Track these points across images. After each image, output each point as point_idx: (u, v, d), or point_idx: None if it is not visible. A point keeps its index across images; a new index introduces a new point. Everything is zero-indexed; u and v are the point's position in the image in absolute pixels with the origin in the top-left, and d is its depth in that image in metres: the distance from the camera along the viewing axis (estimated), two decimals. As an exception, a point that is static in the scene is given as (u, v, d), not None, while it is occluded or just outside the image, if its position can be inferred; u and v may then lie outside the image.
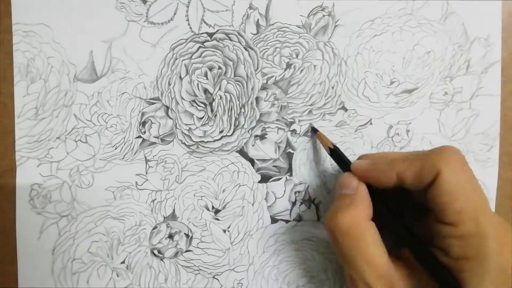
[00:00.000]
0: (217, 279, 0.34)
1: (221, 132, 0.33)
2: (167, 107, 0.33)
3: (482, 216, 0.24)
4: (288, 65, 0.33)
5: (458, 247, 0.24)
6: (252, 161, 0.33)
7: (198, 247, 0.33)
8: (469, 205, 0.24)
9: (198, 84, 0.33)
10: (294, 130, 0.33)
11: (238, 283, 0.34)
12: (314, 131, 0.33)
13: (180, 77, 0.33)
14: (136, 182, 0.33)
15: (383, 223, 0.27)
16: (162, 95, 0.33)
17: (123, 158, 0.33)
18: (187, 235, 0.33)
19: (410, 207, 0.28)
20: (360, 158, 0.30)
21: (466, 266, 0.24)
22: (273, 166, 0.33)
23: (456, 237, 0.24)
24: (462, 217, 0.24)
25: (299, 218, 0.34)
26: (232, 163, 0.33)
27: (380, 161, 0.27)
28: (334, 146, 0.31)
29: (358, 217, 0.26)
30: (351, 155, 0.33)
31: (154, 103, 0.33)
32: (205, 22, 0.32)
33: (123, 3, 0.32)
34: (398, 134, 0.34)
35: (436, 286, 0.25)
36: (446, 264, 0.24)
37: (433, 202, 0.25)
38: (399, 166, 0.26)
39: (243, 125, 0.33)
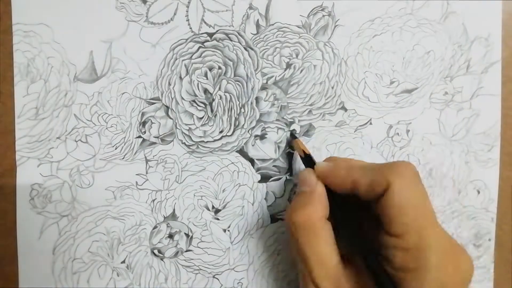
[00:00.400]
0: (217, 278, 0.34)
1: (221, 132, 0.33)
2: (167, 107, 0.33)
3: (426, 230, 0.24)
4: (288, 65, 0.33)
5: (400, 258, 0.24)
6: (252, 161, 0.33)
7: (198, 247, 0.34)
8: (415, 218, 0.24)
9: (198, 84, 0.33)
10: (294, 130, 0.33)
11: (238, 283, 0.34)
12: (293, 137, 0.33)
13: (180, 77, 0.33)
14: (136, 182, 0.33)
15: (338, 226, 0.27)
16: (162, 95, 0.33)
17: (123, 158, 0.33)
18: (187, 235, 0.33)
19: (369, 217, 0.28)
20: (326, 159, 0.31)
21: (407, 277, 0.24)
22: (273, 166, 0.33)
23: (400, 249, 0.24)
24: (407, 230, 0.24)
25: (299, 218, 0.34)
26: (232, 163, 0.33)
27: (340, 166, 0.28)
28: (307, 154, 0.30)
29: (313, 215, 0.27)
30: (351, 155, 0.33)
31: (154, 103, 0.33)
32: (205, 22, 0.32)
33: (123, 3, 0.32)
34: (398, 134, 0.34)
35: None
36: (390, 273, 0.25)
37: (382, 213, 0.25)
38: (355, 174, 0.27)
39: (243, 125, 0.33)
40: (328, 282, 0.26)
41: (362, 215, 0.28)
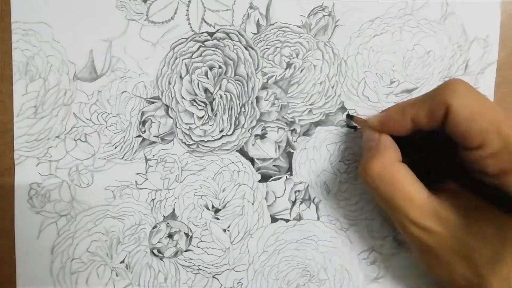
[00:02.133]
0: (217, 278, 0.34)
1: (221, 131, 0.33)
2: (167, 106, 0.33)
3: (504, 128, 0.24)
4: (288, 65, 0.33)
5: (493, 165, 0.24)
6: (252, 161, 0.33)
7: (198, 247, 0.33)
8: (487, 122, 0.24)
9: (198, 83, 0.33)
10: (294, 129, 0.33)
11: (238, 283, 0.34)
12: (350, 117, 0.33)
13: (181, 76, 0.33)
14: (136, 181, 0.33)
15: (417, 166, 0.27)
16: (162, 94, 0.33)
17: (123, 157, 0.33)
18: (187, 235, 0.33)
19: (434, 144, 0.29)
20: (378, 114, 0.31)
21: (507, 180, 0.24)
22: (273, 165, 0.33)
23: (488, 157, 0.24)
24: (485, 136, 0.24)
25: (299, 218, 0.34)
26: (232, 162, 0.33)
27: (392, 112, 0.28)
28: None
29: (386, 160, 0.26)
30: (351, 155, 0.33)
31: (154, 102, 0.33)
32: (205, 22, 0.32)
33: (123, 2, 0.32)
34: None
35: (487, 210, 0.25)
36: (490, 183, 0.24)
37: (453, 134, 0.25)
38: (410, 111, 0.27)
39: (243, 124, 0.33)
40: (427, 216, 0.25)
41: (431, 144, 0.28)
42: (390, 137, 0.28)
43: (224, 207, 0.33)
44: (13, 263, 0.32)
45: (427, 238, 0.26)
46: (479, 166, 0.25)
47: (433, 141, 0.29)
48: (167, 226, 0.33)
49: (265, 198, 0.34)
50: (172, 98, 0.33)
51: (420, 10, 0.33)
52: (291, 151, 0.33)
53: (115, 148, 0.33)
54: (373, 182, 0.26)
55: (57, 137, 0.32)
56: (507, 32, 0.33)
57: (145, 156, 0.33)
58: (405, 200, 0.26)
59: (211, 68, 0.32)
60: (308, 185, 0.34)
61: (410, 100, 0.28)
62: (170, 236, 0.33)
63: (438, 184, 0.27)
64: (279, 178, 0.34)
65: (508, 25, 0.33)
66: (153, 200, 0.33)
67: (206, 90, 0.33)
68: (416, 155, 0.28)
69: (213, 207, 0.33)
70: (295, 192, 0.34)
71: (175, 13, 0.32)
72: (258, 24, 0.33)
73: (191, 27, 0.32)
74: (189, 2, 0.32)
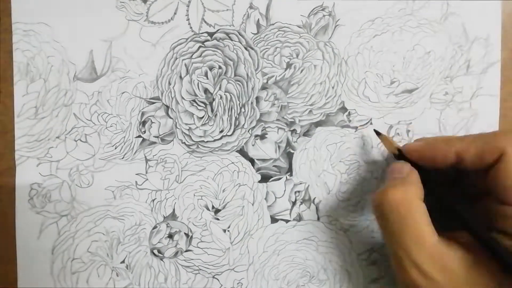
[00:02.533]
0: (217, 279, 0.34)
1: (221, 131, 0.33)
2: (167, 107, 0.33)
3: None
4: (289, 65, 0.33)
5: None
6: (252, 161, 0.33)
7: (198, 247, 0.33)
8: None
9: (198, 83, 0.33)
10: (294, 130, 0.33)
11: (238, 283, 0.34)
12: (377, 134, 0.32)
13: (180, 77, 0.33)
14: (136, 182, 0.33)
15: (435, 207, 0.26)
16: (162, 94, 0.33)
17: (123, 158, 0.33)
18: (187, 235, 0.33)
19: (460, 192, 0.28)
20: (415, 141, 0.31)
21: None
22: (273, 166, 0.33)
23: None
24: None
25: (299, 218, 0.34)
26: (232, 162, 0.33)
27: (437, 140, 0.28)
28: (400, 150, 0.30)
29: (408, 194, 0.26)
30: (351, 155, 0.33)
31: (154, 103, 0.33)
32: (205, 22, 0.32)
33: (123, 2, 0.32)
34: (398, 134, 0.34)
35: (496, 267, 0.24)
36: (507, 245, 0.24)
37: (495, 183, 0.24)
38: (458, 145, 0.26)
39: (243, 124, 0.33)
40: (431, 262, 0.24)
41: (457, 192, 0.27)
42: (418, 174, 0.27)
43: (224, 207, 0.33)
44: (14, 263, 0.32)
45: (425, 285, 0.24)
46: (506, 224, 0.24)
47: (455, 188, 0.28)
48: (167, 226, 0.33)
49: (265, 199, 0.34)
50: (172, 98, 0.33)
51: (420, 10, 0.33)
52: (291, 151, 0.33)
53: (115, 148, 0.33)
54: (390, 211, 0.25)
55: (58, 137, 0.32)
56: (508, 32, 0.33)
57: (145, 157, 0.33)
58: (414, 240, 0.25)
59: (211, 68, 0.32)
60: (308, 186, 0.34)
61: (459, 136, 0.28)
62: (170, 236, 0.33)
63: (449, 232, 0.26)
64: (279, 179, 0.34)
65: (509, 25, 0.33)
66: (153, 200, 0.33)
67: (206, 91, 0.33)
68: (435, 199, 0.27)
69: (213, 207, 0.33)
70: (295, 192, 0.34)
71: (175, 13, 0.32)
72: (258, 24, 0.33)
73: (191, 27, 0.32)
74: (189, 2, 0.32)
